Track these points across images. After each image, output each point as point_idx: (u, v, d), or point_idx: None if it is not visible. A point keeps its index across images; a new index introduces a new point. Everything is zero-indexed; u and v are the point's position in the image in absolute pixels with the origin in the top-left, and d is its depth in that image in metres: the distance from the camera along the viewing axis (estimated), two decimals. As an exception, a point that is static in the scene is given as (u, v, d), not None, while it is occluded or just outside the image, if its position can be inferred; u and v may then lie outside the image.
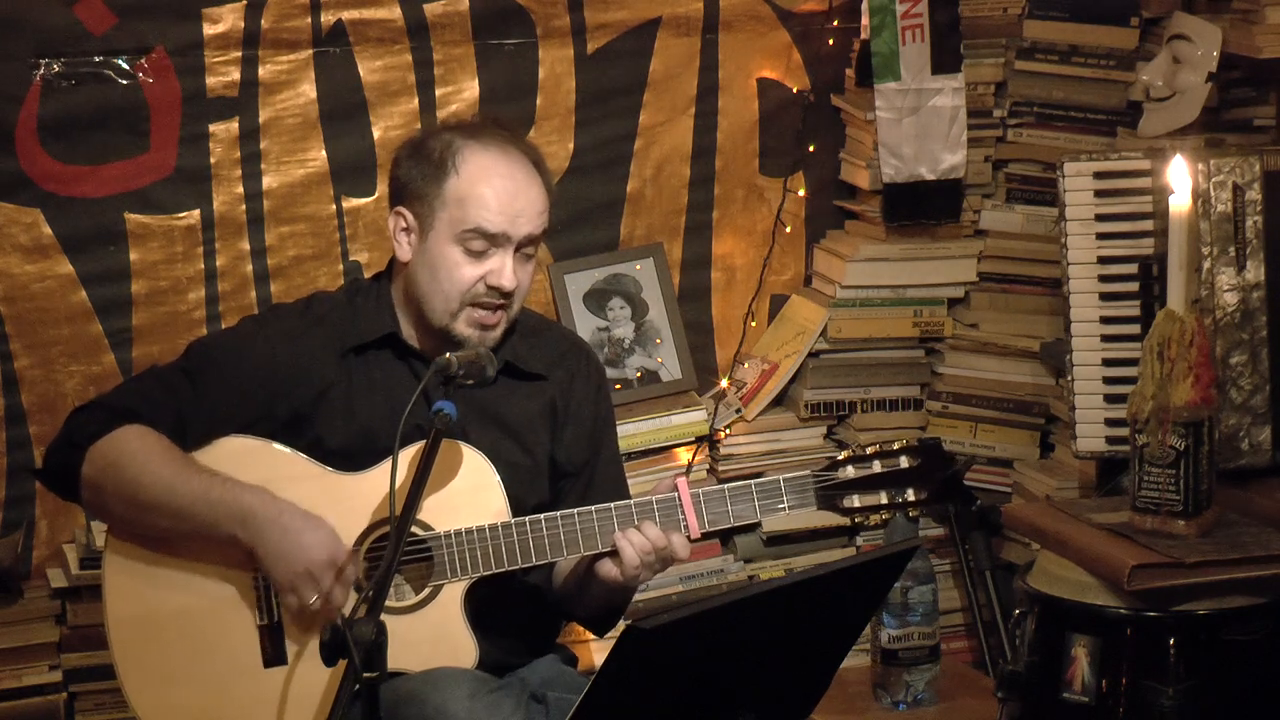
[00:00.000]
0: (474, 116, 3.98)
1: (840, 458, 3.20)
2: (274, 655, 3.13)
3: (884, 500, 3.19)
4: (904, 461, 3.20)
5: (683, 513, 3.13)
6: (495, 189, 3.15)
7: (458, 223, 3.15)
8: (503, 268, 3.15)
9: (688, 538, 3.13)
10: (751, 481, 3.18)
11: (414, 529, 3.10)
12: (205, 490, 3.07)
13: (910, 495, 3.20)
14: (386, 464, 2.98)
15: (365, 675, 2.61)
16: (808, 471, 3.19)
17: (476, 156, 3.18)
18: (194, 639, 3.13)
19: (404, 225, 3.21)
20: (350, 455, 3.16)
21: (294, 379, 3.19)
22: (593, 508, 3.13)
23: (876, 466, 3.20)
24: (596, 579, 3.16)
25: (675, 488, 3.14)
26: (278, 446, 3.16)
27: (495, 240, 3.15)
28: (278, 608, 3.12)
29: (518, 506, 3.16)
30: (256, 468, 3.14)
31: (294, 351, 3.20)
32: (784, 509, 3.18)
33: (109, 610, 3.15)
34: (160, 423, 3.13)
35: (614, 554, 3.11)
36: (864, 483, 3.19)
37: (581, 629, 3.68)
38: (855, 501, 3.19)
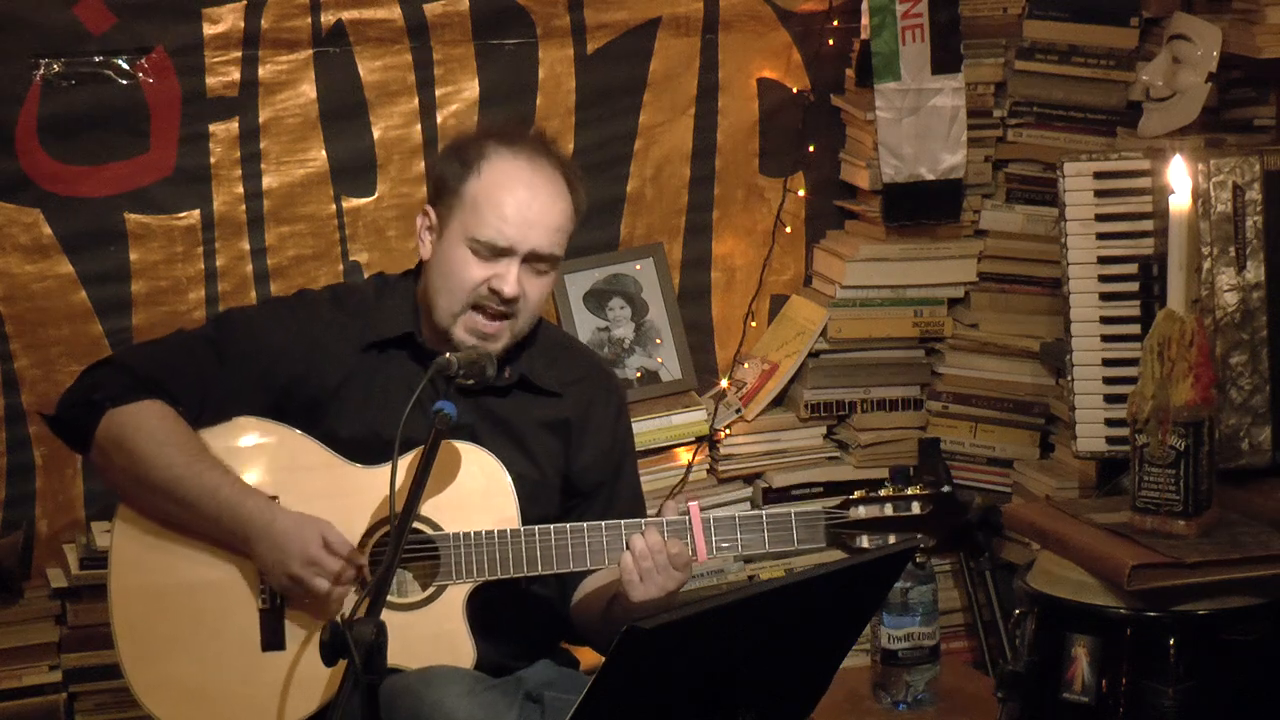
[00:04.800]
0: (520, 125, 3.63)
1: (854, 496, 3.20)
2: (272, 640, 3.13)
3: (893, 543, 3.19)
4: (916, 507, 3.19)
5: (692, 536, 3.13)
6: (513, 197, 3.15)
7: (470, 227, 3.15)
8: (507, 273, 3.15)
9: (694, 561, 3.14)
10: (763, 512, 3.18)
11: (424, 527, 3.12)
12: (215, 488, 3.09)
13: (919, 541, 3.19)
14: (400, 460, 2.99)
15: (365, 677, 2.62)
16: (820, 508, 3.19)
17: (503, 162, 3.18)
18: (195, 615, 3.14)
19: (428, 224, 3.23)
20: (361, 449, 3.17)
21: (317, 365, 3.21)
22: (603, 523, 3.14)
23: (888, 509, 3.19)
24: (615, 606, 3.18)
25: (688, 511, 3.14)
26: (296, 432, 3.18)
27: (502, 251, 3.15)
28: (280, 594, 3.13)
29: (522, 518, 3.16)
30: (273, 453, 3.16)
31: (320, 338, 3.23)
32: (792, 544, 3.18)
33: (114, 578, 3.16)
34: (182, 396, 3.14)
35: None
36: (874, 524, 3.18)
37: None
38: (864, 542, 3.18)
